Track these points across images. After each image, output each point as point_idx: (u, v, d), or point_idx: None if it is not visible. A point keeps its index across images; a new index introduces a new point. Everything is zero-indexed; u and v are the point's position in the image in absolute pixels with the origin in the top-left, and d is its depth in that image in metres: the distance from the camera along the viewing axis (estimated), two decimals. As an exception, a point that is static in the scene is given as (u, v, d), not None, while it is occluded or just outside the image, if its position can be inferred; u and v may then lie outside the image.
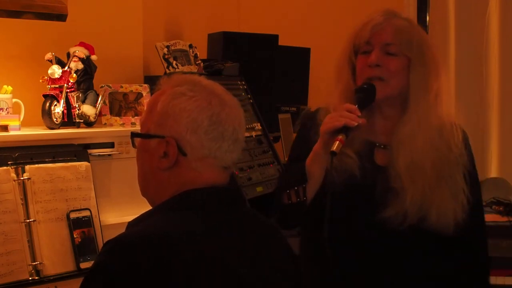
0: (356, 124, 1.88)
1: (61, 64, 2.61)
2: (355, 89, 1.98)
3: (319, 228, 1.86)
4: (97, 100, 2.69)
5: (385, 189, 1.95)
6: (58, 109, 2.53)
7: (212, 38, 3.61)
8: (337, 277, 1.99)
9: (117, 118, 2.79)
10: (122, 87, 2.83)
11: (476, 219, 2.02)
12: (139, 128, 1.57)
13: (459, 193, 1.95)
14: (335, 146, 1.85)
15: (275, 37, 3.74)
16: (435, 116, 1.97)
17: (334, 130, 1.88)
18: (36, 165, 2.29)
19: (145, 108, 2.76)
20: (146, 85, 2.89)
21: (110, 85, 2.80)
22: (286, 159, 2.79)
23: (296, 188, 1.95)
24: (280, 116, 3.88)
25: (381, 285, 1.99)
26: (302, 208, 1.96)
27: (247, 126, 3.19)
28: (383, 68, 1.96)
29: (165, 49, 3.15)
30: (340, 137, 1.86)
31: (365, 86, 1.96)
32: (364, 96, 1.95)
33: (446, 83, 2.02)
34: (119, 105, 2.81)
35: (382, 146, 2.02)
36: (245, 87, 3.36)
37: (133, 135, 1.56)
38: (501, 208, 3.48)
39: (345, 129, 1.87)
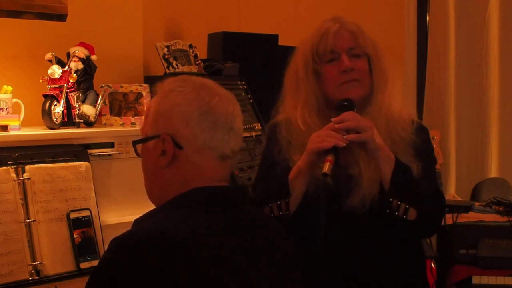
0: (344, 145, 1.89)
1: (61, 64, 2.61)
2: (335, 106, 2.01)
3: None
4: (97, 100, 2.69)
5: (346, 179, 2.00)
6: (58, 109, 2.53)
7: (212, 38, 3.61)
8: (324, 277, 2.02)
9: (117, 118, 2.79)
10: (122, 87, 2.83)
11: (427, 182, 2.05)
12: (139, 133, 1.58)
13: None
14: (326, 167, 1.86)
15: (275, 37, 3.74)
16: (391, 104, 2.06)
17: (323, 151, 1.89)
18: (36, 165, 2.29)
19: (145, 108, 2.77)
20: (146, 85, 2.89)
21: (110, 85, 2.80)
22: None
23: (278, 202, 1.98)
24: (280, 116, 3.87)
25: (361, 276, 2.03)
26: (284, 221, 1.97)
27: (247, 126, 3.20)
28: (356, 70, 2.04)
29: (165, 49, 3.15)
30: (329, 158, 1.87)
31: (345, 103, 1.99)
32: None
33: (397, 75, 2.12)
34: (119, 105, 2.81)
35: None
36: (245, 87, 3.35)
37: (134, 143, 1.58)
38: (501, 208, 3.48)
39: (333, 150, 1.88)
